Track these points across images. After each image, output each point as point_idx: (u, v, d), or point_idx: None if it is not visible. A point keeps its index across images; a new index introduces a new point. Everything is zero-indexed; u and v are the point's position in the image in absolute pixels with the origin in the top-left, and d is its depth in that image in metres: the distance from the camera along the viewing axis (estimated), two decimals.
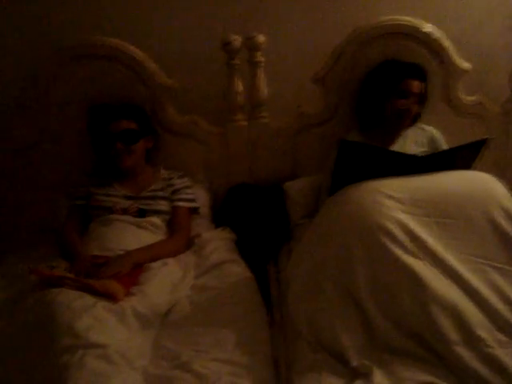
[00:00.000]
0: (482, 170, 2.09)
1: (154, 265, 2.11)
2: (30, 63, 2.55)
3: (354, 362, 1.64)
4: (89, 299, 1.79)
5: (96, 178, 2.51)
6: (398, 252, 1.73)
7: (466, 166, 2.14)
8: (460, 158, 2.12)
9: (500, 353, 1.55)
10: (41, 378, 1.56)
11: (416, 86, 2.35)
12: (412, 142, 2.43)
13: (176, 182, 2.51)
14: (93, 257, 2.12)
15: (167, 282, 2.04)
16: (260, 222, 2.55)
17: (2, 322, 1.83)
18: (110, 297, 1.82)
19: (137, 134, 2.42)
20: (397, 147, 2.41)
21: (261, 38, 2.46)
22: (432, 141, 2.48)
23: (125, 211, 2.37)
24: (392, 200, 1.84)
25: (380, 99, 2.38)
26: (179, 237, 2.37)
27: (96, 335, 1.64)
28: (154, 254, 2.19)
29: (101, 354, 1.59)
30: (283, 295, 2.05)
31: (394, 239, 1.75)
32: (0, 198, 2.66)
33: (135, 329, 1.79)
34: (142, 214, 2.38)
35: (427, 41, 2.50)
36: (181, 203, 2.46)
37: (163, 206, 2.42)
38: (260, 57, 2.50)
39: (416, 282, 1.68)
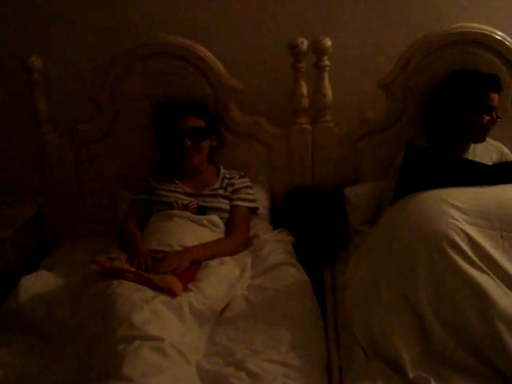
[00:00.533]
0: None
1: (212, 262, 2.14)
2: (102, 59, 2.62)
3: (411, 374, 1.62)
4: (148, 293, 1.83)
5: (158, 174, 2.55)
6: (463, 263, 1.70)
7: None
8: None
9: None
10: (98, 365, 1.61)
11: (497, 99, 2.26)
12: (481, 156, 2.36)
13: (236, 182, 2.53)
14: (152, 251, 2.15)
15: (224, 280, 2.07)
16: (319, 226, 2.54)
17: (64, 310, 1.91)
18: (169, 292, 1.86)
19: (205, 131, 2.46)
20: None
21: (327, 42, 2.45)
22: (502, 156, 2.41)
23: (185, 207, 2.40)
24: (457, 210, 1.82)
25: (460, 114, 2.28)
26: (238, 236, 2.39)
27: (152, 328, 1.67)
28: (212, 251, 2.22)
29: (156, 347, 1.61)
30: (339, 300, 2.05)
31: (459, 250, 1.72)
32: (64, 188, 2.76)
33: (191, 324, 1.82)
34: (201, 210, 2.40)
35: (498, 49, 2.43)
36: (240, 203, 2.47)
37: (223, 204, 2.44)
38: (326, 61, 2.49)
39: (481, 295, 1.64)
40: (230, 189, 2.50)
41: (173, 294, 1.85)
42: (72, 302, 1.91)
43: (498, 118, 2.29)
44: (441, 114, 2.37)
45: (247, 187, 2.54)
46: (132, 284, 1.85)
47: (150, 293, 1.83)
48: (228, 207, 2.45)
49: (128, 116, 2.66)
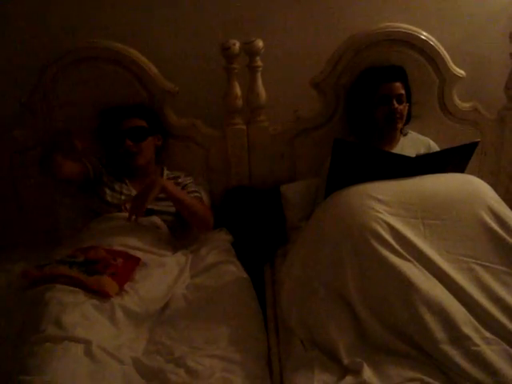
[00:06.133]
0: (478, 175, 2.13)
1: (151, 263, 2.13)
2: (33, 66, 2.58)
3: (345, 360, 1.68)
4: (80, 296, 1.81)
5: (111, 169, 2.53)
6: (386, 253, 1.77)
7: (459, 168, 2.19)
8: (452, 160, 2.17)
9: (486, 351, 1.57)
10: (21, 361, 1.57)
11: (395, 87, 2.38)
12: (409, 150, 2.44)
13: (182, 180, 2.55)
14: (89, 248, 2.11)
15: (162, 281, 2.07)
16: (257, 224, 2.58)
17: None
18: (103, 294, 1.85)
19: (145, 131, 2.47)
20: None
21: (259, 43, 2.49)
22: (429, 150, 2.50)
23: None
24: (380, 203, 1.89)
25: (366, 107, 2.42)
26: (206, 208, 2.45)
27: (81, 331, 1.66)
28: (185, 197, 2.35)
29: (84, 349, 1.61)
30: (277, 295, 2.09)
31: (382, 241, 1.79)
32: (2, 196, 2.70)
33: (125, 326, 1.82)
34: (148, 213, 2.38)
35: (423, 48, 2.53)
36: (195, 194, 2.50)
37: (170, 207, 2.44)
38: (258, 61, 2.53)
39: (403, 282, 1.71)
40: (178, 187, 2.49)
41: (107, 296, 1.84)
42: (6, 312, 1.87)
43: (408, 103, 2.43)
44: (353, 109, 2.52)
45: (193, 183, 2.57)
46: (64, 287, 1.82)
47: (81, 296, 1.82)
48: (174, 209, 2.45)
49: (63, 122, 2.61)
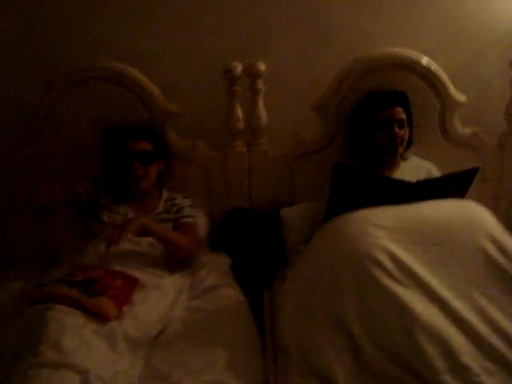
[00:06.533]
0: (478, 201, 2.12)
1: (148, 284, 2.11)
2: (38, 85, 2.59)
3: None
4: (80, 319, 1.80)
5: (107, 191, 2.52)
6: (386, 280, 1.75)
7: (459, 194, 2.18)
8: (453, 186, 2.16)
9: (487, 381, 1.56)
10: None
11: (397, 112, 2.38)
12: (410, 175, 2.42)
13: (179, 201, 2.54)
14: (87, 267, 2.11)
15: (161, 305, 2.05)
16: (256, 247, 2.57)
17: None
18: (102, 316, 1.83)
19: (153, 155, 2.47)
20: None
21: (261, 66, 2.50)
22: (430, 174, 2.49)
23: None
24: (380, 229, 1.87)
25: (367, 132, 2.42)
26: (193, 239, 2.41)
27: (80, 357, 1.64)
28: (167, 233, 2.31)
29: (81, 379, 1.59)
30: (276, 320, 2.07)
31: (382, 267, 1.77)
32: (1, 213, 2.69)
33: (124, 351, 1.80)
34: (145, 234, 2.36)
35: (424, 73, 2.54)
36: (188, 219, 2.49)
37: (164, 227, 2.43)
38: (260, 84, 2.54)
39: (403, 310, 1.69)
40: (173, 209, 2.50)
41: (106, 319, 1.83)
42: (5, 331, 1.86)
43: (409, 126, 2.43)
44: (355, 134, 2.52)
45: (190, 206, 2.55)
46: (63, 307, 1.80)
47: (81, 319, 1.80)
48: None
49: (64, 141, 2.63)
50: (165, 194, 2.58)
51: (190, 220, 2.50)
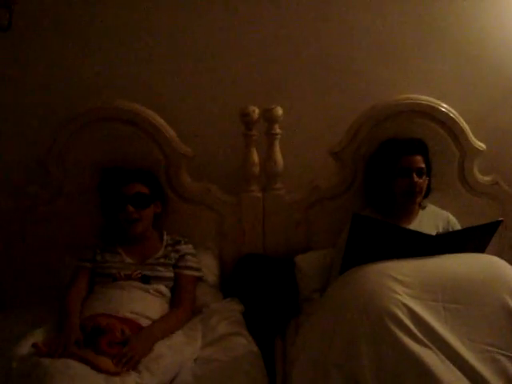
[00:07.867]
0: (497, 251, 2.06)
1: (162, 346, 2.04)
2: (51, 125, 2.59)
3: None
4: (88, 370, 1.75)
5: (102, 242, 2.48)
6: (405, 338, 1.68)
7: (480, 247, 2.12)
8: (474, 238, 2.11)
9: None
10: None
11: (416, 161, 2.35)
12: (428, 224, 2.39)
13: (181, 248, 2.48)
14: (97, 315, 2.07)
15: (175, 359, 1.97)
16: (269, 294, 2.51)
17: None
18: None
19: (148, 198, 2.43)
20: (412, 228, 2.36)
21: (279, 111, 2.49)
22: (448, 224, 2.45)
23: (128, 277, 2.33)
24: (399, 283, 1.82)
25: (385, 179, 2.39)
26: (186, 307, 2.33)
27: None
28: (171, 329, 2.16)
29: None
30: (288, 372, 1.99)
31: (401, 325, 1.71)
32: (5, 253, 2.65)
33: None
34: (145, 280, 2.33)
35: (443, 120, 2.52)
36: (187, 271, 2.43)
37: (167, 272, 2.39)
38: (277, 129, 2.52)
39: (422, 371, 1.62)
40: (174, 255, 2.44)
41: (115, 374, 1.78)
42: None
43: (428, 177, 2.39)
44: (372, 181, 2.48)
45: (192, 254, 2.49)
46: (71, 361, 1.76)
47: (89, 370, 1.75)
48: (172, 275, 2.40)
49: (76, 180, 2.60)
50: (166, 238, 2.52)
51: (191, 273, 2.44)
